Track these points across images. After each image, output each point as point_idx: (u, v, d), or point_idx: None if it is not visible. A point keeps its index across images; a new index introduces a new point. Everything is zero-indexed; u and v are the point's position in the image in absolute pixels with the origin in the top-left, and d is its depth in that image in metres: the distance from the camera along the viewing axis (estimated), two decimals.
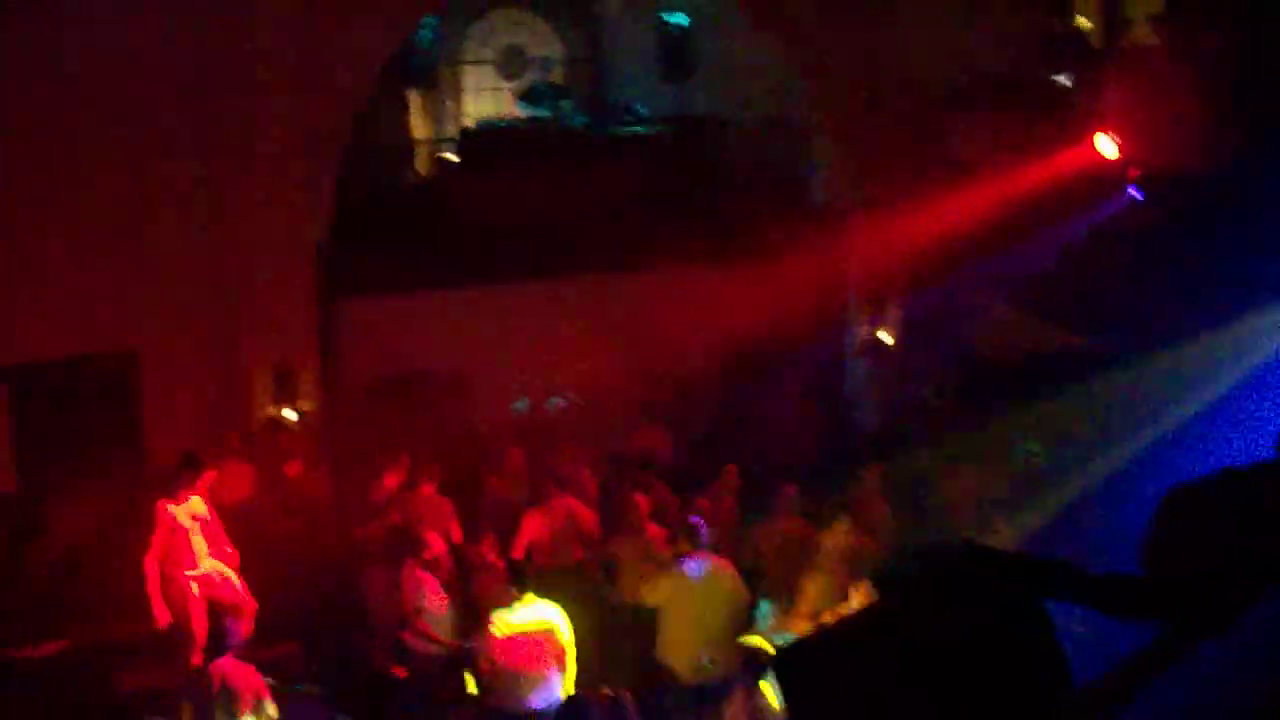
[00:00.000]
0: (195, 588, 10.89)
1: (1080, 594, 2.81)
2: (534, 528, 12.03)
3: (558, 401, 14.40)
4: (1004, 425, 14.25)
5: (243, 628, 10.36)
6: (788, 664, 2.91)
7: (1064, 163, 13.79)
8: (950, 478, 12.90)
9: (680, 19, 16.00)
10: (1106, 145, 13.15)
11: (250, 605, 10.95)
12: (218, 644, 9.67)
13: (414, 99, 16.55)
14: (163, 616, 10.74)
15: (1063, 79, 15.41)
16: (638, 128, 16.09)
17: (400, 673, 11.67)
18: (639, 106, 16.78)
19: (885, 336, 16.09)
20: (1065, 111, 14.64)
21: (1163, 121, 12.76)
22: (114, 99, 12.59)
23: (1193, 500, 2.90)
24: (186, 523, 10.84)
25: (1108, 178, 13.34)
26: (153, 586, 10.67)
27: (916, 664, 2.66)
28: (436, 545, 11.49)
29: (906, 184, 15.80)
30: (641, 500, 11.91)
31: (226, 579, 11.11)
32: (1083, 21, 17.74)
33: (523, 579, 10.13)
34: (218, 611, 10.87)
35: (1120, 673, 2.66)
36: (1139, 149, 12.89)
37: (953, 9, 15.83)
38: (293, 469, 12.97)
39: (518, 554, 11.69)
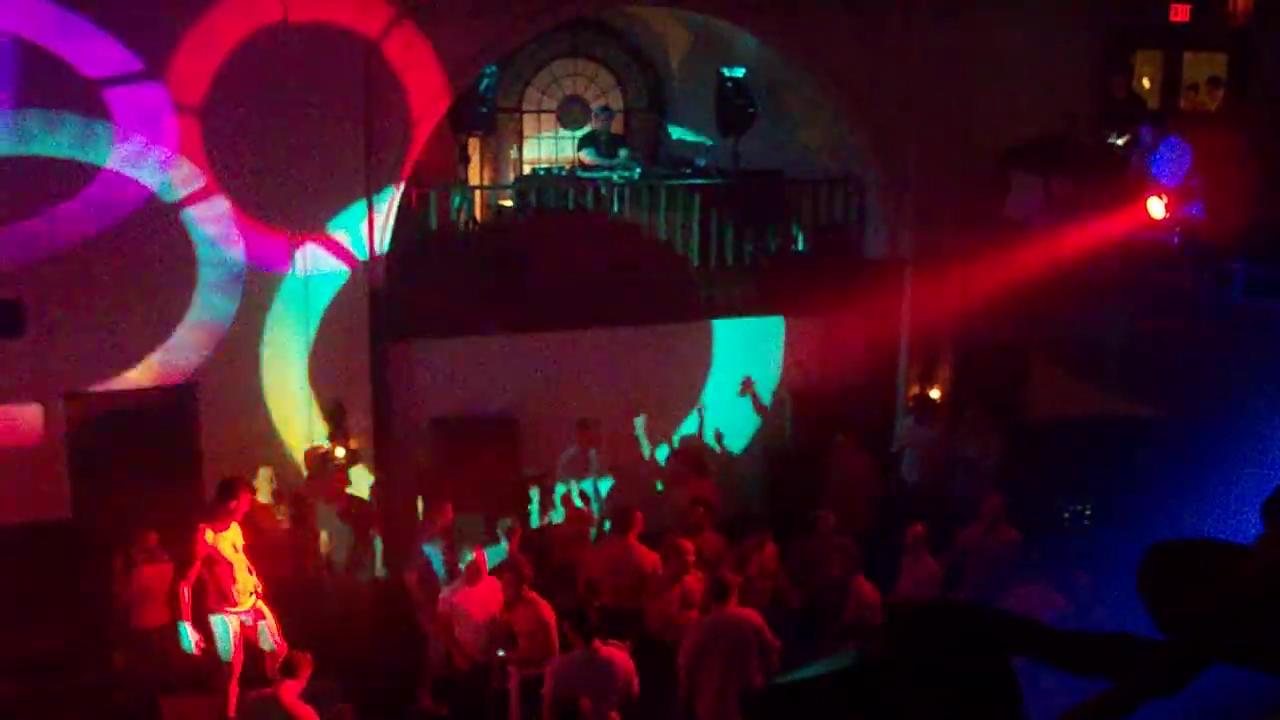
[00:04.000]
0: (236, 623, 10.87)
1: (1045, 650, 2.90)
2: (592, 565, 12.30)
3: (595, 453, 14.36)
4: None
5: (270, 666, 10.52)
6: (756, 708, 3.02)
7: (1117, 224, 13.83)
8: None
9: (739, 73, 16.16)
10: (1156, 207, 13.20)
11: (282, 648, 10.80)
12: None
13: (473, 145, 16.79)
14: (197, 644, 10.67)
15: (1118, 140, 15.46)
16: (695, 179, 16.25)
17: (444, 710, 11.88)
18: (697, 158, 16.96)
19: (934, 394, 16.14)
20: (1119, 173, 14.69)
21: (1214, 187, 12.79)
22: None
23: (1167, 561, 2.99)
24: (229, 554, 10.71)
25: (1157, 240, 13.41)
26: (186, 614, 10.57)
27: (885, 712, 2.76)
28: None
29: (960, 241, 15.89)
30: (688, 545, 12.03)
31: (264, 616, 11.07)
32: (1144, 83, 17.80)
33: (588, 630, 10.16)
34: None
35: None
36: (1188, 212, 12.93)
37: (1012, 67, 15.92)
38: (341, 505, 13.14)
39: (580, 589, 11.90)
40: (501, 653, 11.15)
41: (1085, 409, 15.49)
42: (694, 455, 14.80)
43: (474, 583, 11.30)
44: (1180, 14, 16.42)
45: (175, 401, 13.46)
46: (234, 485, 10.88)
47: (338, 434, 13.87)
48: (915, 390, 16.37)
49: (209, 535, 10.63)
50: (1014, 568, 12.46)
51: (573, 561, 12.82)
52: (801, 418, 16.04)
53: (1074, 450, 14.60)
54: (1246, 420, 12.14)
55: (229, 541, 10.78)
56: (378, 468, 14.15)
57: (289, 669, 9.68)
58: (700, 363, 15.92)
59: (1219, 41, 16.47)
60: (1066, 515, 14.16)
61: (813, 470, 15.22)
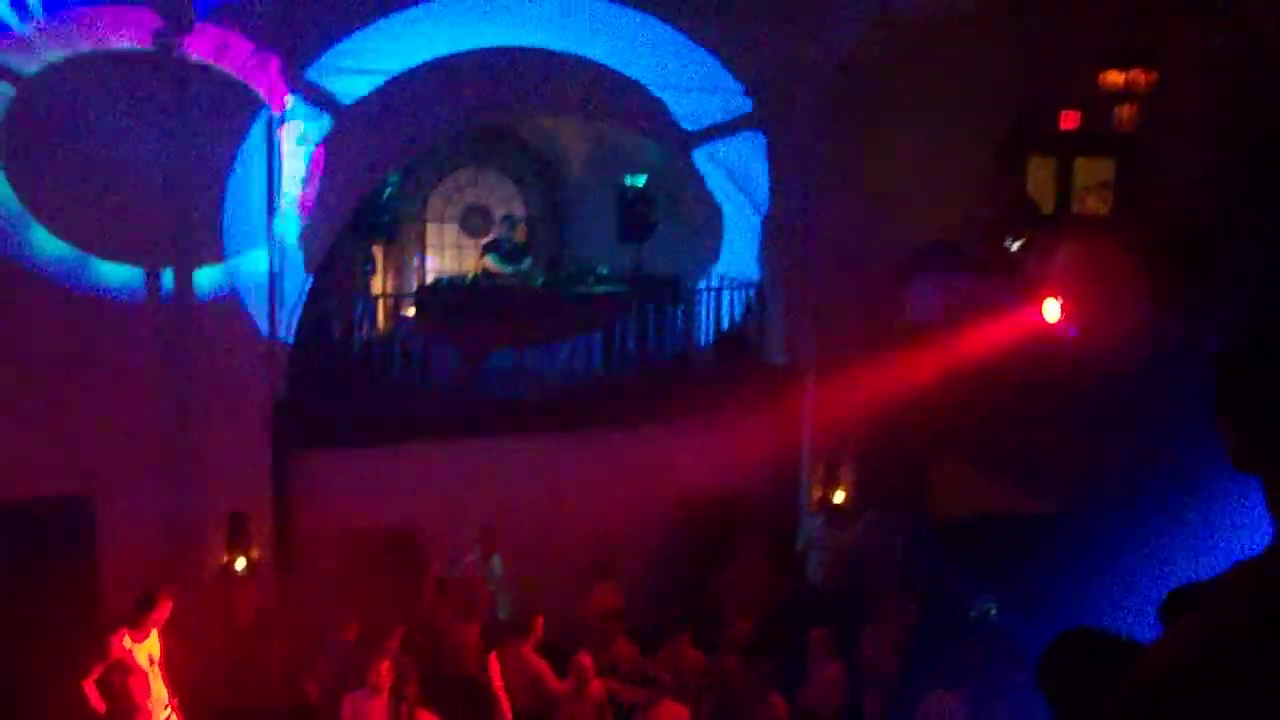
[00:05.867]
0: None
1: None
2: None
3: (472, 558, 14.14)
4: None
5: None
6: None
7: (1013, 326, 14.10)
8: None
9: (639, 181, 16.34)
10: (1052, 309, 13.48)
11: None
12: None
13: (376, 253, 16.77)
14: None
15: (1013, 245, 15.77)
16: (597, 287, 16.33)
17: None
18: (599, 265, 17.06)
19: (838, 496, 16.23)
20: (1015, 276, 14.98)
21: (1104, 290, 13.09)
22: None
23: (1064, 658, 2.98)
24: (144, 663, 10.48)
25: (1053, 340, 13.67)
26: (97, 703, 10.33)
27: None
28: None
29: (860, 345, 16.06)
30: (586, 659, 11.92)
31: None
32: (1036, 189, 18.22)
33: None
34: None
35: None
36: (1081, 314, 13.22)
37: (910, 174, 16.22)
38: (244, 618, 12.89)
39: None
40: None
41: (989, 505, 15.64)
42: (596, 559, 14.69)
43: (378, 694, 11.10)
44: (1070, 121, 16.88)
45: (71, 513, 13.17)
46: (154, 596, 10.68)
47: (238, 545, 13.63)
48: (819, 493, 16.45)
49: (126, 641, 10.42)
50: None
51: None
52: (704, 522, 16.00)
53: (979, 547, 14.72)
54: (1145, 512, 12.31)
55: (145, 651, 10.57)
56: (279, 578, 13.91)
57: None
58: (602, 470, 15.87)
59: (1107, 148, 16.92)
60: (972, 613, 14.21)
61: (712, 574, 15.21)
